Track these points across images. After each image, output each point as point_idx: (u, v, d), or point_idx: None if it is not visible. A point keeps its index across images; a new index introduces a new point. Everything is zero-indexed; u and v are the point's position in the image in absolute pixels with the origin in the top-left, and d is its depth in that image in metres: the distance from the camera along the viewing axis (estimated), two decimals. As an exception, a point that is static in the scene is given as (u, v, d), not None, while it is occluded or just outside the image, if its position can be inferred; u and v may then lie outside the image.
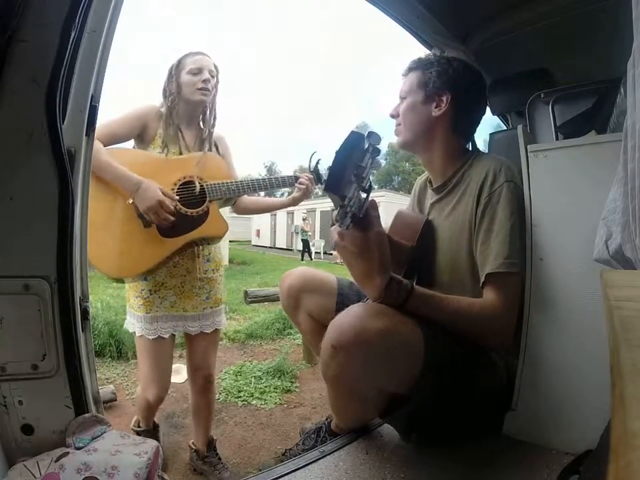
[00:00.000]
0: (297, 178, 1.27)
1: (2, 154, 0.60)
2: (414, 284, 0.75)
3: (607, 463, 0.13)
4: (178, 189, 1.12)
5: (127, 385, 2.25)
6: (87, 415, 0.67)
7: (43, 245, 0.63)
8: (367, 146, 0.59)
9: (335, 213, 0.62)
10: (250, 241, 22.86)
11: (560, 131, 1.25)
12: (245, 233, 23.27)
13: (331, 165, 0.59)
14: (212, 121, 1.24)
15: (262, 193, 1.46)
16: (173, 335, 1.21)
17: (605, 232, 0.64)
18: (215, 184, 1.14)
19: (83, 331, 0.68)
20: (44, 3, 0.59)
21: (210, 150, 1.22)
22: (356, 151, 0.59)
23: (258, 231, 22.37)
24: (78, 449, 0.64)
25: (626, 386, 0.16)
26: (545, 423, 0.88)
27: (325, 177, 0.60)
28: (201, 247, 1.19)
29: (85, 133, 0.67)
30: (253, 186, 1.19)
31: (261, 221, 21.49)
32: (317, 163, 1.28)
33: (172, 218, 1.07)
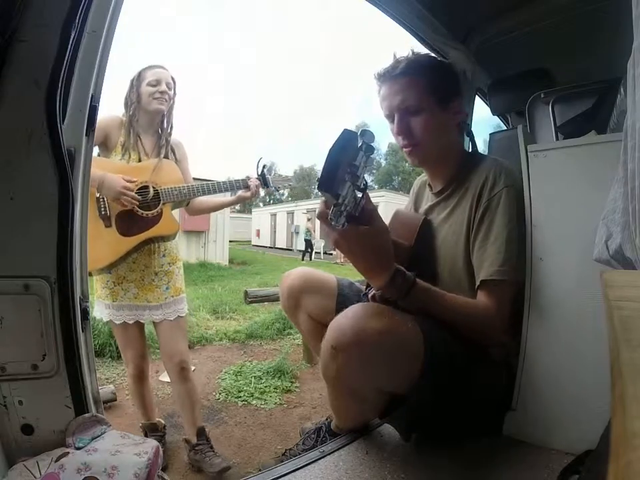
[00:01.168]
0: (245, 183, 1.41)
1: (2, 154, 0.60)
2: (415, 276, 0.76)
3: (607, 463, 0.13)
4: (136, 192, 1.24)
5: (127, 385, 2.25)
6: (86, 415, 0.67)
7: (43, 244, 0.63)
8: (360, 144, 0.58)
9: (330, 212, 0.61)
10: (250, 241, 22.86)
11: (560, 131, 1.25)
12: (245, 233, 23.27)
13: (324, 163, 0.58)
14: (169, 129, 1.37)
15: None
16: (139, 323, 1.35)
17: (604, 232, 0.64)
18: (168, 188, 1.27)
19: (83, 331, 0.68)
20: (44, 3, 0.59)
21: (167, 156, 1.34)
22: (349, 150, 0.58)
23: (258, 231, 22.37)
24: (78, 448, 0.64)
25: (626, 386, 0.16)
26: (545, 423, 0.88)
27: (317, 176, 0.59)
28: (157, 244, 1.32)
29: (84, 133, 0.67)
30: (203, 189, 1.32)
31: (261, 221, 21.50)
32: (264, 167, 1.46)
33: (138, 197, 1.21)
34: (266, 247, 20.11)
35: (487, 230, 0.84)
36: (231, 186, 1.39)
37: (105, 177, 1.18)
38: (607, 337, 0.24)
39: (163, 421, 1.51)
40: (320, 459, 0.88)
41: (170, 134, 1.37)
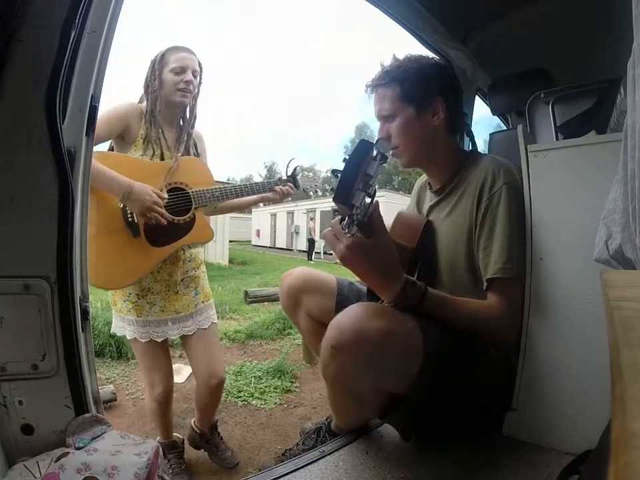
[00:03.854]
0: (276, 184, 1.30)
1: (2, 154, 0.60)
2: (426, 285, 0.76)
3: (607, 463, 0.13)
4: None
5: (127, 384, 2.25)
6: (87, 415, 0.67)
7: (42, 245, 0.63)
8: (375, 154, 0.59)
9: (344, 223, 0.62)
10: (250, 241, 22.87)
11: (560, 131, 1.25)
12: (245, 233, 23.28)
13: (341, 175, 0.59)
14: (192, 122, 1.22)
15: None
16: (166, 340, 1.21)
17: (604, 232, 0.64)
18: (200, 191, 1.14)
19: (83, 331, 0.68)
20: (44, 2, 0.59)
21: (189, 151, 1.22)
22: (365, 160, 0.59)
23: (258, 231, 22.38)
24: (78, 449, 0.64)
25: (626, 386, 0.16)
26: (545, 423, 0.88)
27: (334, 186, 0.60)
28: (182, 249, 1.19)
29: (85, 133, 0.67)
30: (236, 192, 1.20)
31: (261, 221, 21.50)
32: (295, 169, 1.35)
33: (169, 216, 1.08)
34: (266, 247, 20.12)
35: (490, 228, 0.84)
36: (263, 187, 1.28)
37: (133, 186, 1.03)
38: (607, 337, 0.24)
39: (180, 436, 1.40)
40: (320, 458, 0.88)
41: (193, 126, 1.23)
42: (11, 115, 0.60)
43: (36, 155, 0.61)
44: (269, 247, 20.02)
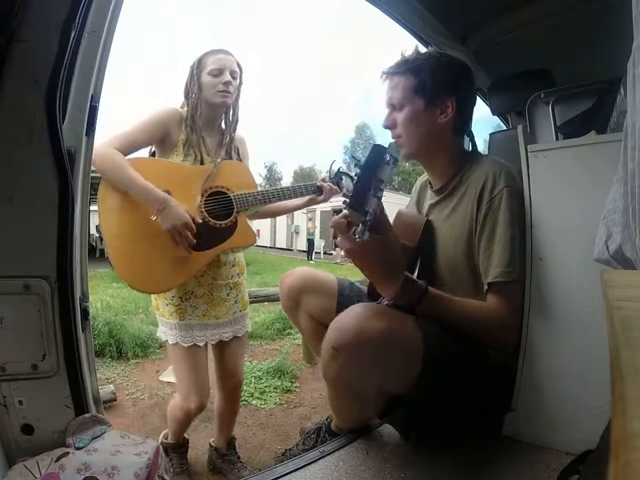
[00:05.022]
0: (319, 188, 1.27)
1: (2, 154, 0.60)
2: (427, 284, 0.76)
3: (607, 463, 0.13)
4: (206, 199, 1.10)
5: (127, 385, 2.25)
6: (87, 415, 0.67)
7: (43, 245, 0.63)
8: (387, 158, 0.59)
9: (355, 229, 0.62)
10: (250, 241, 22.83)
11: (560, 131, 1.25)
12: (244, 233, 23.22)
13: (356, 183, 0.59)
14: (234, 125, 1.21)
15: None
16: (206, 346, 1.19)
17: (604, 232, 0.64)
18: (242, 194, 1.12)
19: (83, 331, 0.68)
20: (44, 2, 0.59)
21: (231, 154, 1.20)
22: (378, 165, 0.59)
23: (258, 231, 22.30)
24: (78, 449, 0.64)
25: (626, 386, 0.16)
26: (545, 423, 0.88)
27: (349, 194, 0.60)
28: (226, 253, 1.18)
29: (85, 133, 0.67)
30: (278, 195, 1.18)
31: (261, 221, 21.47)
32: (338, 170, 1.29)
33: (194, 241, 1.05)
34: (266, 247, 20.10)
35: (491, 231, 0.84)
36: (306, 190, 1.25)
37: (169, 204, 1.01)
38: (607, 337, 0.24)
39: (187, 436, 1.36)
40: (320, 458, 0.88)
41: (235, 129, 1.22)
42: (10, 114, 0.60)
43: (36, 154, 0.61)
44: (269, 247, 20.01)
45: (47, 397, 0.65)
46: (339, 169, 1.30)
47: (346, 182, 1.29)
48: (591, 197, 0.78)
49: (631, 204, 0.51)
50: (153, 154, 1.19)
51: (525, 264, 0.86)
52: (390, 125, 0.93)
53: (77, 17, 0.61)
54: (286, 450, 1.09)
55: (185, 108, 1.16)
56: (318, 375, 2.33)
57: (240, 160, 1.24)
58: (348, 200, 0.60)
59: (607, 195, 0.65)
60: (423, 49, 0.94)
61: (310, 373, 2.48)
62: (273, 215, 1.43)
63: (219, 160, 1.14)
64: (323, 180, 1.30)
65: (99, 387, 0.75)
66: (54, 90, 0.60)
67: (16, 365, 0.63)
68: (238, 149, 1.24)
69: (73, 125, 0.65)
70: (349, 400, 0.90)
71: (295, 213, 18.45)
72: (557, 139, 1.23)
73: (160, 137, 1.13)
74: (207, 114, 1.17)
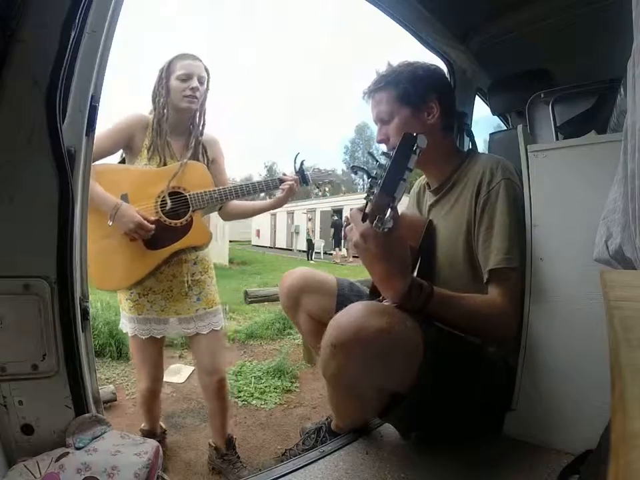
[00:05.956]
0: (281, 180, 1.26)
1: (2, 154, 0.60)
2: (433, 287, 0.76)
3: (607, 463, 0.13)
4: (162, 200, 1.13)
5: (127, 384, 2.25)
6: (86, 415, 0.67)
7: (43, 245, 0.63)
8: (415, 147, 0.60)
9: (380, 217, 0.63)
10: (250, 241, 22.85)
11: (560, 131, 1.25)
12: (245, 233, 23.26)
13: (390, 165, 0.61)
14: (200, 129, 1.23)
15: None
16: (163, 338, 1.25)
17: (604, 232, 0.64)
18: (197, 193, 1.14)
19: (83, 331, 0.68)
20: (44, 2, 0.59)
21: (197, 157, 1.22)
22: (407, 153, 0.61)
23: (258, 231, 22.36)
24: (78, 449, 0.64)
25: (626, 386, 0.16)
26: (545, 423, 0.88)
27: (372, 178, 0.62)
28: (187, 252, 1.20)
29: (84, 133, 0.67)
30: (236, 192, 1.18)
31: (261, 221, 21.48)
32: (302, 163, 1.30)
33: (151, 233, 1.10)
34: (266, 247, 20.11)
35: (489, 222, 0.85)
36: (266, 186, 1.24)
37: (119, 208, 1.07)
38: (607, 337, 0.24)
39: (163, 425, 1.46)
40: (320, 458, 0.88)
41: (202, 133, 1.24)
42: (10, 114, 0.60)
43: (36, 155, 0.61)
44: (269, 247, 20.00)
45: (47, 397, 0.65)
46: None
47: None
48: (591, 197, 0.78)
49: (631, 204, 0.51)
50: (122, 161, 1.23)
51: (524, 254, 0.87)
52: (384, 139, 0.95)
53: (77, 17, 0.61)
54: (286, 450, 1.09)
55: (153, 113, 1.19)
56: (318, 375, 2.33)
57: (209, 161, 1.26)
58: (378, 183, 0.61)
59: (607, 195, 0.65)
60: (395, 63, 0.96)
61: (310, 373, 2.48)
62: (243, 214, 1.42)
63: (185, 160, 1.17)
64: (284, 174, 1.30)
65: (99, 387, 0.75)
66: (54, 90, 0.60)
67: (16, 365, 0.63)
68: (206, 150, 1.26)
69: (73, 125, 0.65)
70: (348, 398, 0.90)
71: (296, 213, 18.49)
72: (557, 139, 1.23)
73: (125, 143, 1.17)
74: (174, 118, 1.20)
